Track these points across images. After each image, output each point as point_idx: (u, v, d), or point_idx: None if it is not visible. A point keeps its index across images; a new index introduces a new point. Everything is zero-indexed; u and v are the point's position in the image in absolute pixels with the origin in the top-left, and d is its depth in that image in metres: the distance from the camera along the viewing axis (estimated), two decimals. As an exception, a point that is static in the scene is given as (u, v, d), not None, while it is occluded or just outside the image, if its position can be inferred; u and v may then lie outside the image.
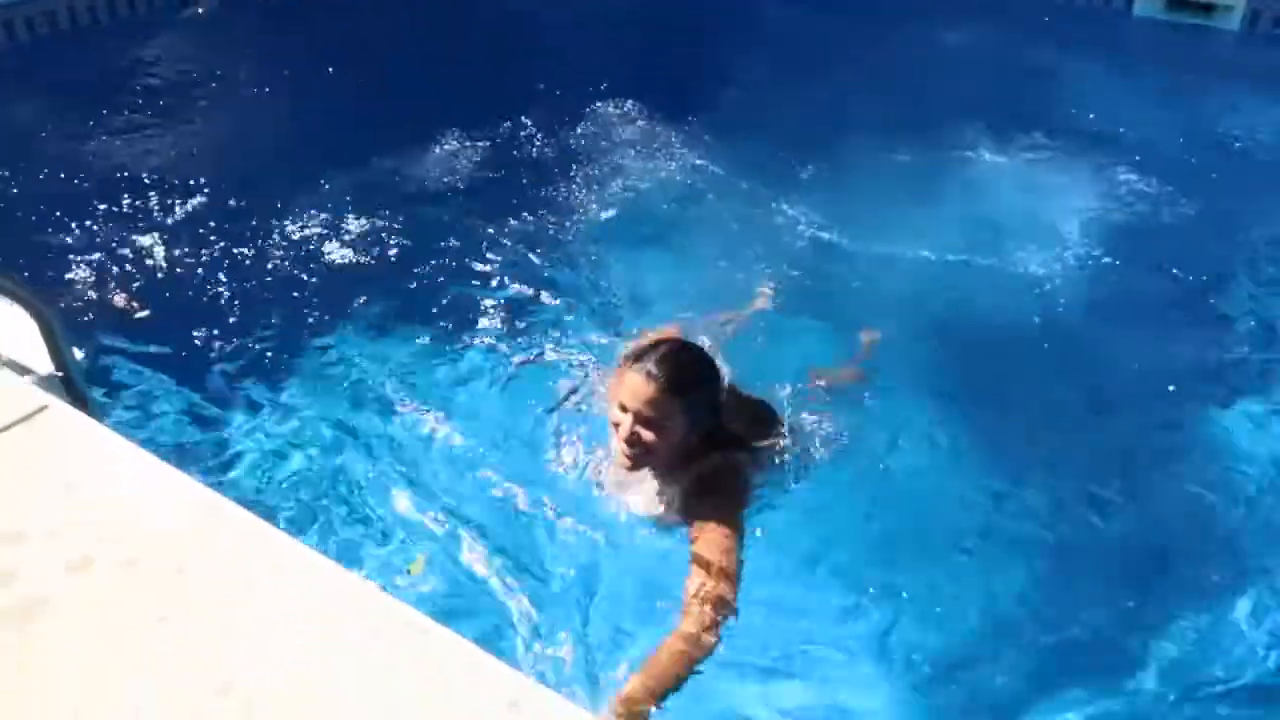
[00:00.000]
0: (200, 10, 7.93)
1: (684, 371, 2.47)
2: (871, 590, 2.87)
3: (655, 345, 2.51)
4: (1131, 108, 6.25)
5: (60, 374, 2.33)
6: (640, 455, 2.50)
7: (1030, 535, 3.23)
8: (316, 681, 1.57)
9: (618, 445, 2.52)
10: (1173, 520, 3.36)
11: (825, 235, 4.88)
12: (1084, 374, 4.08)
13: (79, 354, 2.55)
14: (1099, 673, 2.79)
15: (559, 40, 7.29)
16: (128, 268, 4.56)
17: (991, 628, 2.91)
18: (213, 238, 4.80)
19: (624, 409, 2.45)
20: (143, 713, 1.52)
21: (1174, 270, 4.72)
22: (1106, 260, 4.80)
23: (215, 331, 4.12)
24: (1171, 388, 3.92)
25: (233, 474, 3.30)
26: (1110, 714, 2.67)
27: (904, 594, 2.89)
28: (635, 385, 2.44)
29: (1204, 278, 4.67)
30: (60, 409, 2.17)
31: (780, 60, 6.94)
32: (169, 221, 4.98)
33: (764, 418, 2.90)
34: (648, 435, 2.45)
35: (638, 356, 2.47)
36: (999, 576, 3.06)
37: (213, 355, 3.99)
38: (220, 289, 4.45)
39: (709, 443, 2.62)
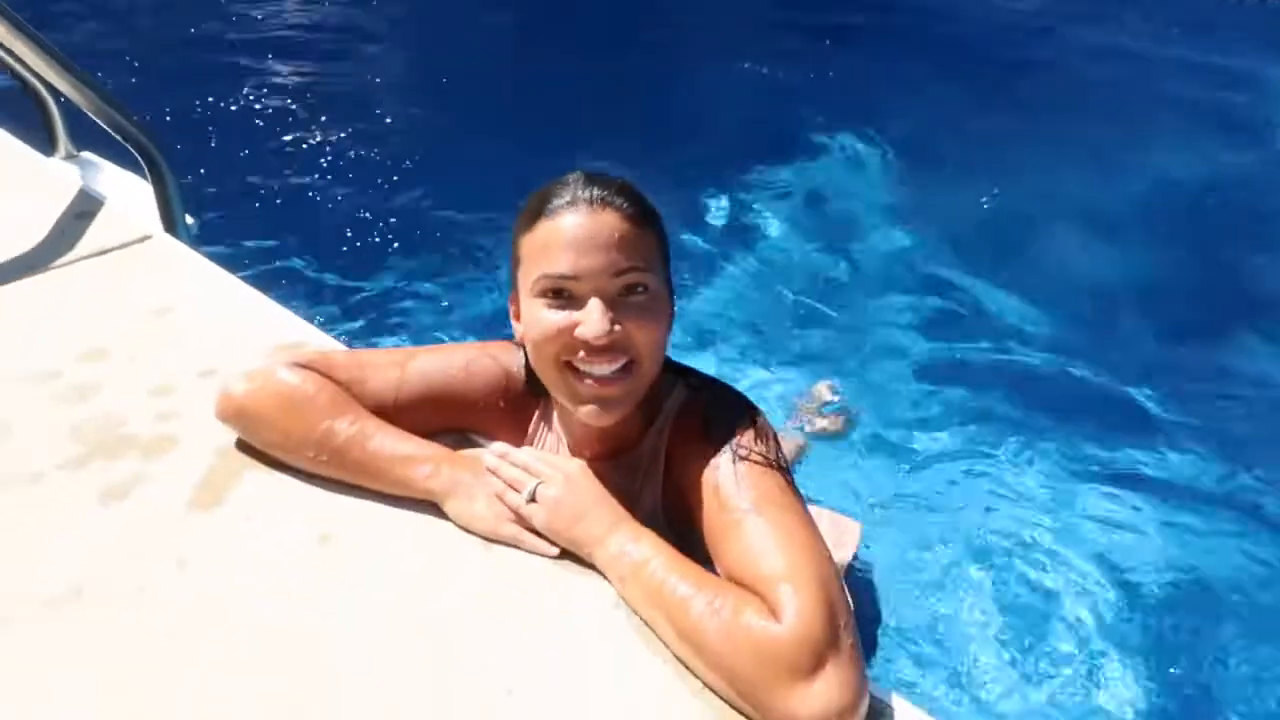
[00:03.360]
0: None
1: (635, 189, 1.23)
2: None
3: (560, 183, 1.20)
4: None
5: (165, 214, 2.13)
6: (627, 375, 1.19)
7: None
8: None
9: (573, 396, 1.21)
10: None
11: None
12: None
13: (189, 220, 2.38)
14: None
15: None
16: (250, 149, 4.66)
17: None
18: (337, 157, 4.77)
19: (567, 290, 1.16)
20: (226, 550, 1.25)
21: None
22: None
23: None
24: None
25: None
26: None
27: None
28: (587, 226, 1.15)
29: None
30: (163, 240, 1.95)
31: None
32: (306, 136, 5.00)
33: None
34: (639, 325, 1.17)
35: (545, 200, 1.19)
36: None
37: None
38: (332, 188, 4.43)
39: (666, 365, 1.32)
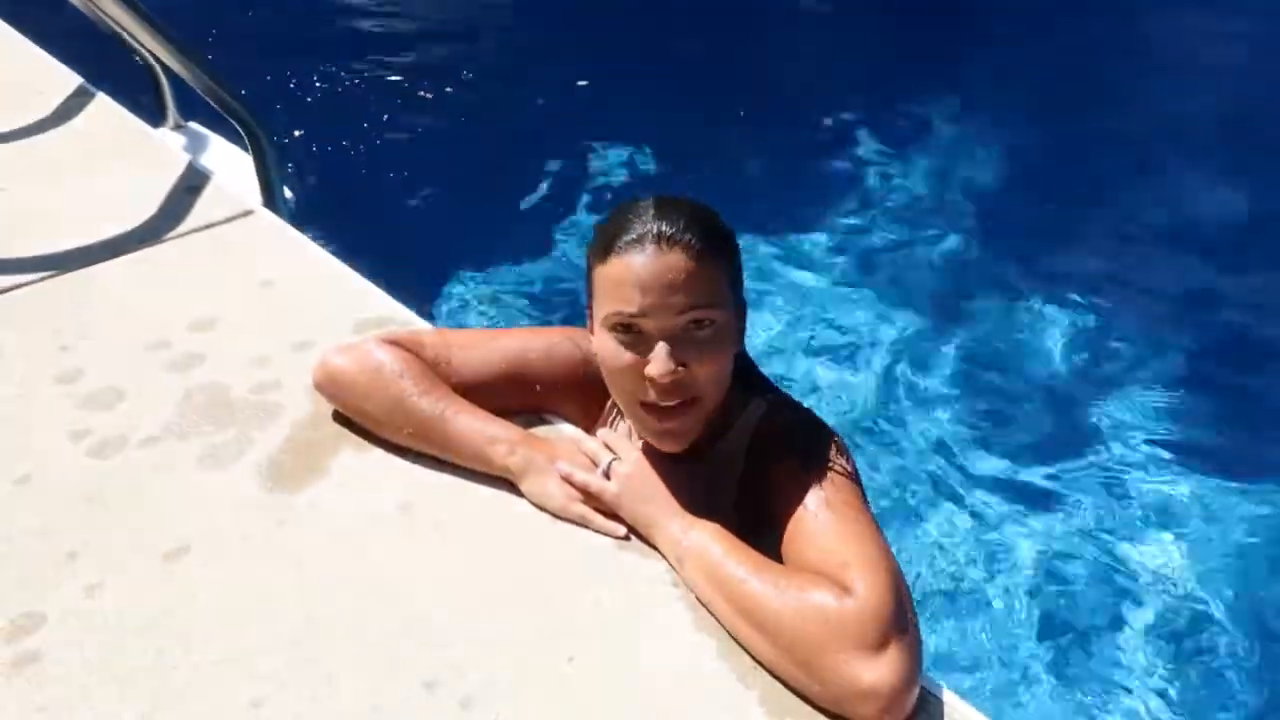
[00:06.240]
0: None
1: (711, 217, 1.26)
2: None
3: (630, 209, 1.24)
4: None
5: (265, 188, 2.25)
6: (690, 409, 1.24)
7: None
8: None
9: (641, 423, 1.27)
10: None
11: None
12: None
13: (289, 193, 2.51)
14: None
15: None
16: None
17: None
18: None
19: (636, 327, 1.20)
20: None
21: None
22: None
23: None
24: None
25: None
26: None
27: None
28: (654, 267, 1.18)
29: None
30: (265, 215, 2.08)
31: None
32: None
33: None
34: (702, 361, 1.21)
35: (616, 234, 1.21)
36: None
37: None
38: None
39: (742, 378, 1.37)
